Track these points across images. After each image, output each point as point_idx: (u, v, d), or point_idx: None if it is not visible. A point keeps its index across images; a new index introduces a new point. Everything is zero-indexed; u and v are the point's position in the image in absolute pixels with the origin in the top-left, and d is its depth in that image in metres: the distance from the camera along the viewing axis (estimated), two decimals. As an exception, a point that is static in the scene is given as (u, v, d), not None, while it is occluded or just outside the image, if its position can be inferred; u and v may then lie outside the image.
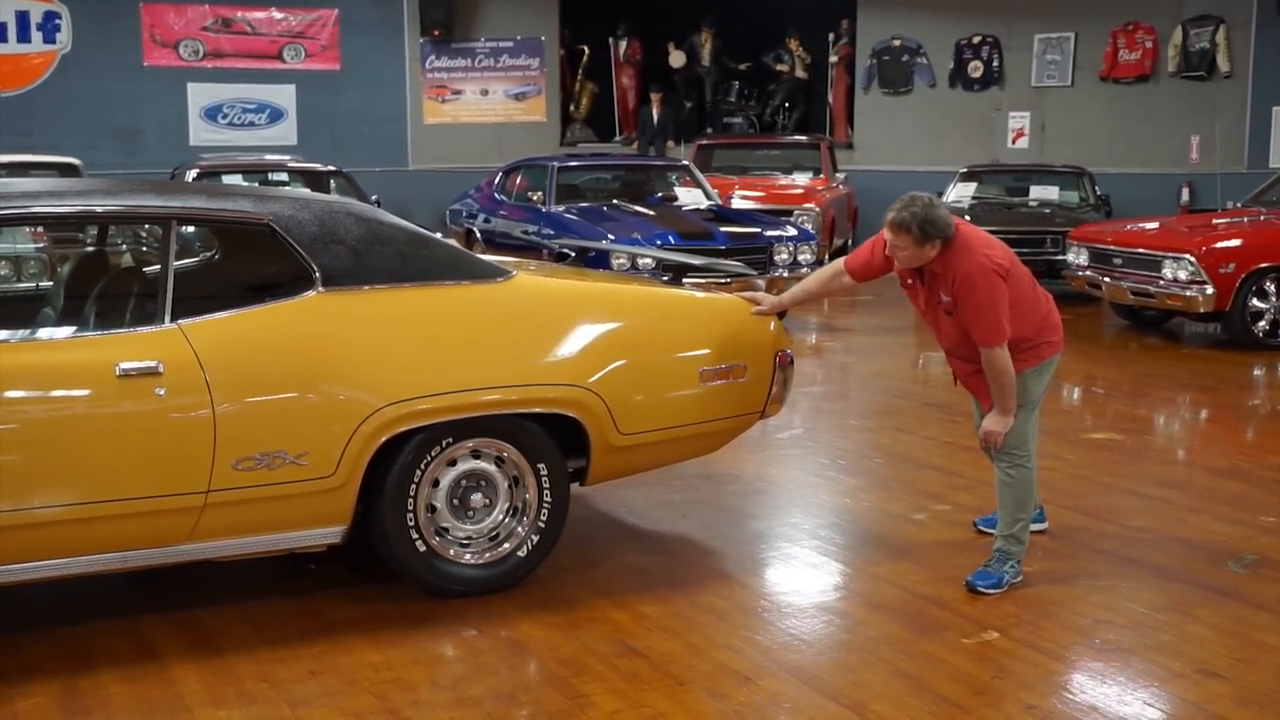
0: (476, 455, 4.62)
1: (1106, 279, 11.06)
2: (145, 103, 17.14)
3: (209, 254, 5.49)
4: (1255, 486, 6.26)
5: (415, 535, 4.50)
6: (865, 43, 18.09)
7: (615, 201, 12.18)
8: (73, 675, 3.99)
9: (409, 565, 4.53)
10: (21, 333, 4.44)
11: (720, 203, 12.65)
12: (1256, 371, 9.60)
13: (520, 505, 4.70)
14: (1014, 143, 17.22)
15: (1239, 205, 12.21)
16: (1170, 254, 10.37)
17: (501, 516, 4.69)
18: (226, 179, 12.65)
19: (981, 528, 5.37)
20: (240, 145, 17.12)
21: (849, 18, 18.35)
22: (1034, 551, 5.01)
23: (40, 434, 3.99)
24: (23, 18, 16.60)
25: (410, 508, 4.47)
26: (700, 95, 19.97)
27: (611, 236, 10.60)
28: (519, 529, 4.70)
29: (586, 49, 19.59)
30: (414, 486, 4.47)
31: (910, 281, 4.83)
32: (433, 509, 4.56)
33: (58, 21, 16.73)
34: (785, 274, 10.84)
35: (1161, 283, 10.41)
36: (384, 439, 4.35)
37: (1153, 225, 11.40)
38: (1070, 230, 12.20)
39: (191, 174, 12.65)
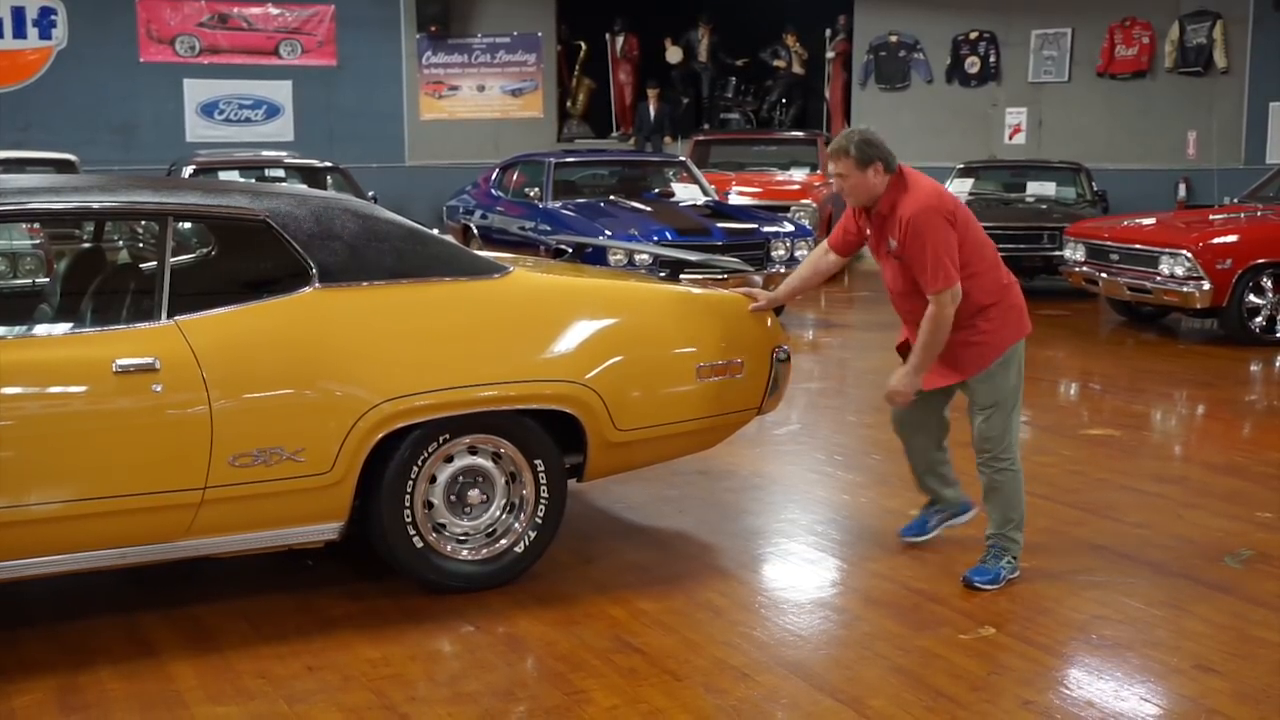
0: (473, 451, 4.62)
1: (1103, 275, 11.07)
2: (141, 99, 17.14)
3: (206, 250, 5.48)
4: (1252, 482, 6.27)
5: (412, 531, 4.50)
6: (863, 39, 18.10)
7: (612, 197, 12.17)
8: (70, 672, 3.98)
9: (406, 561, 4.53)
10: (18, 329, 4.43)
11: (717, 199, 12.64)
12: (1253, 367, 9.61)
13: (517, 501, 4.70)
14: (1011, 138, 17.24)
15: (1236, 201, 12.21)
16: (1167, 250, 10.38)
17: (499, 512, 4.69)
18: (223, 175, 12.62)
19: (906, 538, 5.18)
20: (237, 141, 17.12)
21: (846, 13, 18.36)
22: (1030, 547, 5.01)
23: (37, 430, 3.98)
24: (18, 13, 16.59)
25: (407, 504, 4.47)
26: (697, 91, 19.98)
27: (608, 232, 10.60)
28: (516, 525, 4.70)
29: (583, 45, 19.59)
30: (411, 483, 4.47)
31: (869, 232, 4.78)
32: (430, 505, 4.56)
33: (54, 17, 16.72)
34: (782, 270, 10.82)
35: (1158, 278, 10.41)
36: (381, 435, 4.35)
37: (1150, 221, 11.40)
38: (1067, 226, 12.20)
39: (188, 170, 12.64)
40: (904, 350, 4.89)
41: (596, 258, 10.02)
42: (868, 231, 4.80)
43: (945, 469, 5.09)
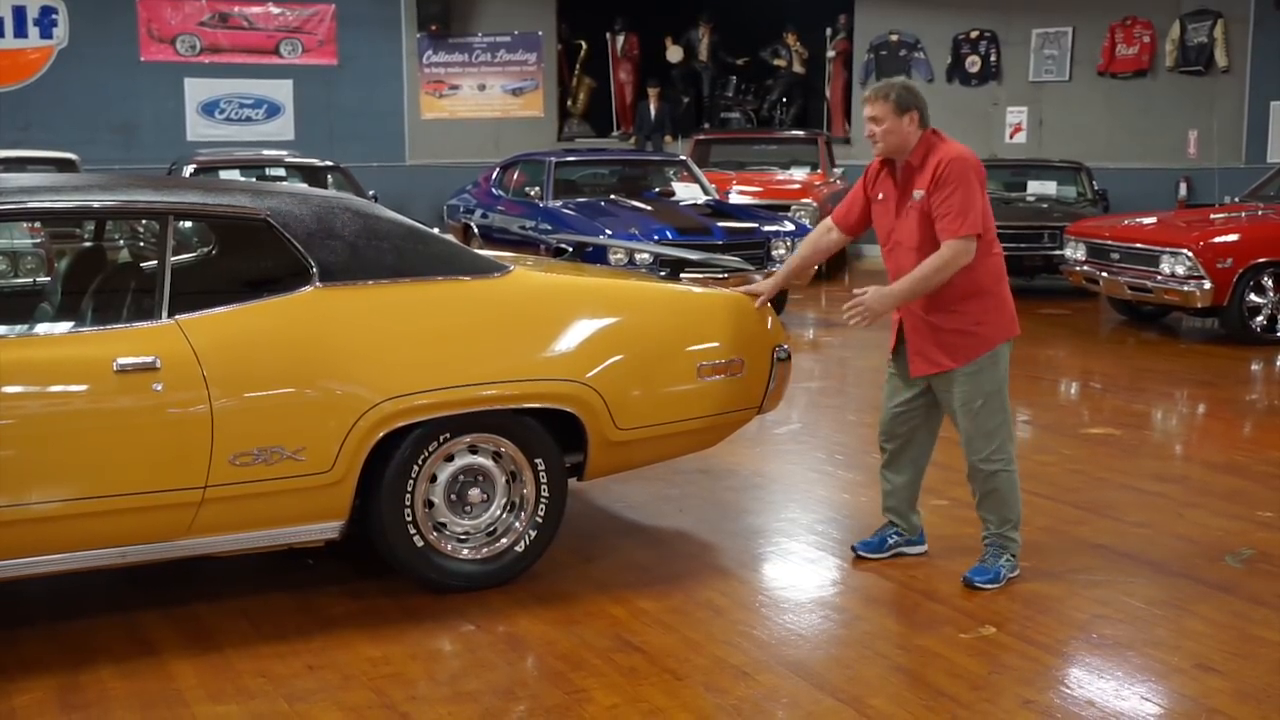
0: (474, 450, 4.62)
1: (1104, 274, 11.07)
2: (142, 98, 17.13)
3: (206, 249, 5.48)
4: (1253, 481, 6.27)
5: (413, 530, 4.50)
6: (863, 38, 18.08)
7: (613, 197, 12.18)
8: (71, 671, 3.99)
9: (406, 560, 4.53)
10: (19, 328, 4.43)
11: (718, 198, 12.65)
12: (1254, 366, 9.61)
13: (518, 500, 4.70)
14: (1012, 138, 17.23)
15: (1237, 200, 12.21)
16: (1168, 249, 10.38)
17: (499, 512, 4.69)
18: (223, 174, 12.63)
19: (861, 552, 5.05)
20: (237, 140, 17.11)
21: (846, 13, 18.34)
22: (1031, 547, 5.01)
23: (38, 429, 3.98)
24: (19, 13, 16.59)
25: (408, 503, 4.47)
26: (698, 90, 19.96)
27: (609, 231, 10.60)
28: (516, 524, 4.70)
29: (584, 44, 19.58)
30: (411, 482, 4.47)
31: (881, 196, 4.74)
32: (430, 504, 4.56)
33: (54, 16, 16.71)
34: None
35: (1159, 278, 10.41)
36: (381, 434, 4.35)
37: (1150, 220, 11.40)
38: (1068, 225, 12.20)
39: (188, 169, 12.64)
40: (896, 348, 4.86)
41: (597, 257, 10.03)
42: (879, 196, 4.75)
43: (916, 491, 5.04)
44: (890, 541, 5.04)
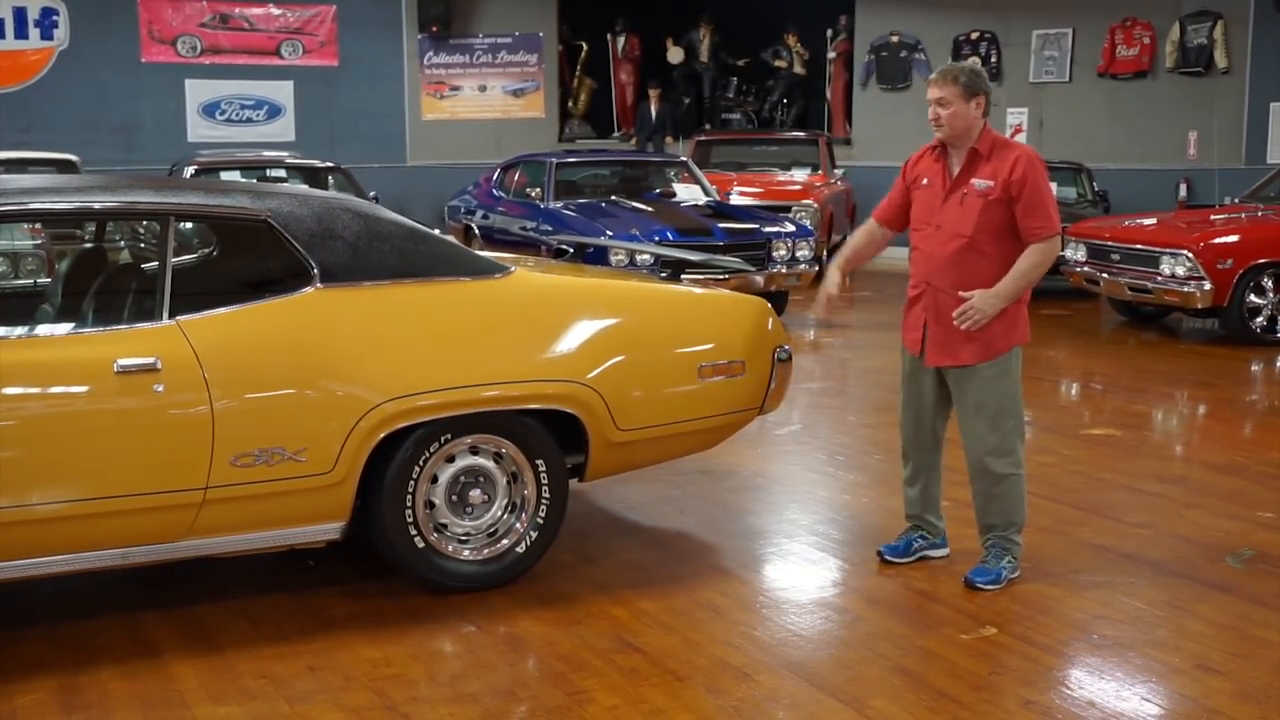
0: (475, 451, 4.62)
1: (1104, 274, 11.07)
2: (143, 99, 17.14)
3: (207, 250, 5.48)
4: (1253, 482, 6.27)
5: (414, 531, 4.50)
6: (863, 39, 18.08)
7: (613, 197, 12.17)
8: (72, 671, 3.99)
9: (407, 561, 4.53)
10: (20, 329, 4.43)
11: (718, 199, 12.64)
12: (1254, 367, 9.61)
13: (519, 501, 4.70)
14: (1012, 138, 17.21)
15: (1237, 201, 12.21)
16: (1168, 250, 10.38)
17: (500, 512, 4.69)
18: (224, 175, 12.63)
19: (887, 557, 5.01)
20: (238, 141, 17.12)
21: (847, 14, 18.34)
22: (1032, 547, 5.01)
23: (39, 430, 3.98)
24: (20, 14, 16.59)
25: (409, 504, 4.47)
26: (699, 91, 19.97)
27: (610, 232, 10.60)
28: (517, 525, 4.70)
29: (585, 45, 19.58)
30: (412, 483, 4.47)
31: (925, 181, 4.71)
32: (431, 505, 4.56)
33: (55, 18, 16.72)
34: (783, 270, 10.84)
35: (1159, 278, 10.41)
36: (382, 435, 4.35)
37: (1151, 221, 11.40)
38: (1068, 226, 12.18)
39: (189, 170, 12.64)
40: (915, 341, 4.79)
41: (598, 258, 10.03)
42: (923, 182, 4.71)
43: (939, 492, 5.01)
44: (915, 545, 5.01)
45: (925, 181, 4.74)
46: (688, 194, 12.43)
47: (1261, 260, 10.17)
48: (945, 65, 4.68)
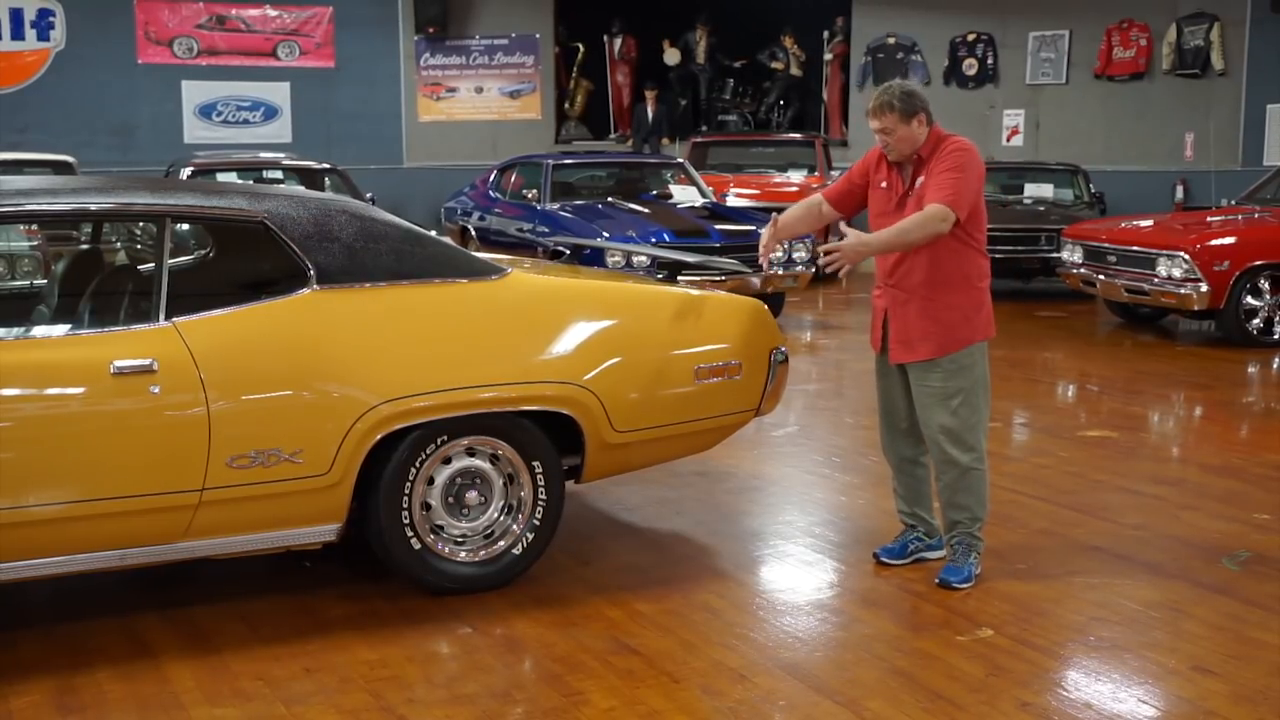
0: (471, 453, 4.62)
1: (1101, 276, 11.08)
2: (139, 100, 17.13)
3: (203, 252, 5.48)
4: (1249, 484, 6.27)
5: (410, 533, 4.50)
6: (860, 40, 18.09)
7: (610, 199, 12.18)
8: (68, 673, 3.98)
9: (404, 563, 4.53)
10: (16, 331, 4.43)
11: (715, 200, 12.65)
12: (1250, 369, 9.62)
13: (515, 503, 4.70)
14: (1008, 140, 17.24)
15: (1233, 203, 12.23)
16: (1165, 251, 10.38)
17: (496, 514, 4.69)
18: (221, 176, 12.62)
19: (883, 559, 5.01)
20: (235, 143, 17.10)
21: (844, 15, 18.35)
22: (1028, 549, 5.01)
23: (35, 432, 3.98)
24: (16, 15, 16.58)
25: (405, 505, 4.47)
26: (695, 93, 19.96)
27: (606, 234, 10.61)
28: (514, 526, 4.70)
29: (581, 46, 19.58)
30: (409, 484, 4.47)
31: (884, 184, 4.74)
32: (428, 507, 4.56)
33: (52, 19, 16.71)
34: (779, 271, 10.85)
35: (1156, 280, 10.42)
36: (379, 436, 4.35)
37: (1147, 223, 11.41)
38: (1065, 228, 12.21)
39: (186, 171, 12.62)
40: (878, 340, 4.86)
41: (594, 259, 10.03)
42: (882, 183, 4.75)
43: (929, 491, 5.02)
44: (911, 547, 5.02)
45: (884, 185, 4.79)
46: (684, 195, 12.44)
47: (1258, 262, 10.18)
48: (877, 93, 4.65)
